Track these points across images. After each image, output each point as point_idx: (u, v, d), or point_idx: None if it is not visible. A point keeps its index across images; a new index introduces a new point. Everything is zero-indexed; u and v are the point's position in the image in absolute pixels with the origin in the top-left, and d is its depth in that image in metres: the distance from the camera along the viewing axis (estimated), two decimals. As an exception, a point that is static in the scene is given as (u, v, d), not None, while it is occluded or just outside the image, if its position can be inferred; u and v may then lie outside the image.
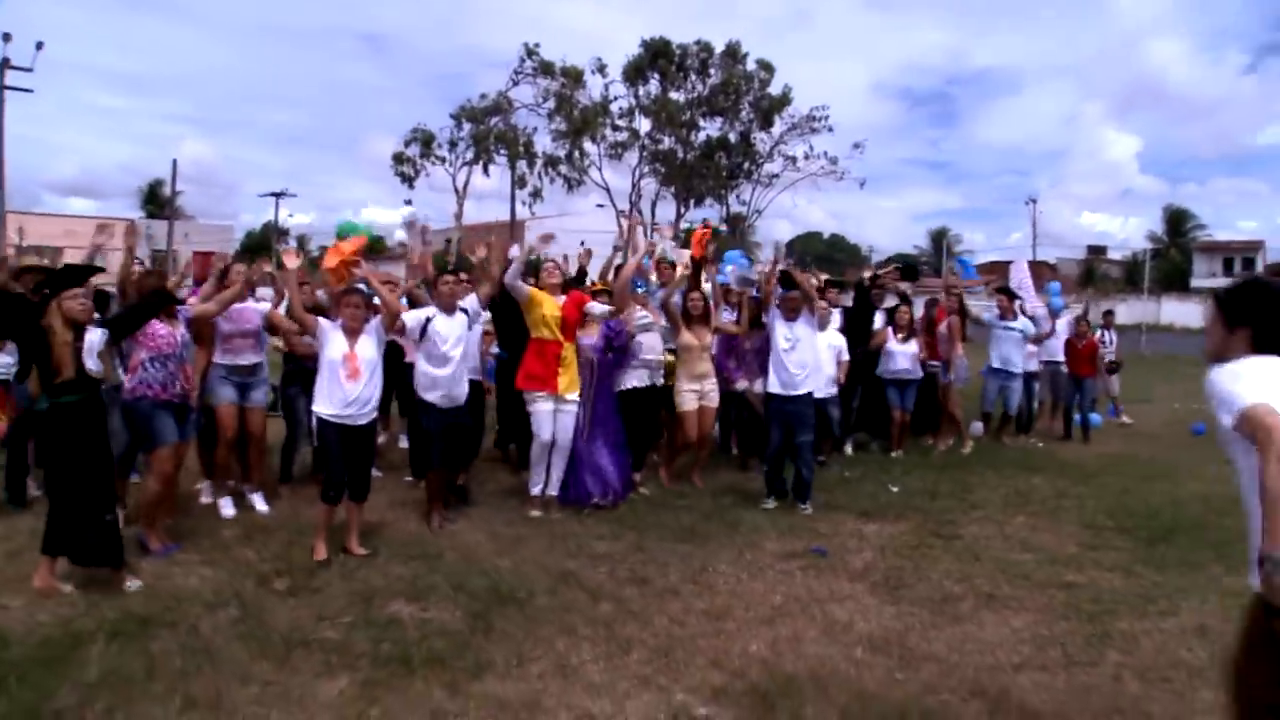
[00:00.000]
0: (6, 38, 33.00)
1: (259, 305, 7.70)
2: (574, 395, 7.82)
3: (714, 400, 9.03)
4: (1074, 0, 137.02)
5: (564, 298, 7.87)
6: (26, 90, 33.80)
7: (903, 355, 11.01)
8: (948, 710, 4.36)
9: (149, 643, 4.92)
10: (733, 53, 47.82)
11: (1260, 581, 2.59)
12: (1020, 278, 13.18)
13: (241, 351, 7.51)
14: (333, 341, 6.51)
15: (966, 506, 8.37)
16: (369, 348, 6.61)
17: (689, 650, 5.03)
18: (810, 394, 8.19)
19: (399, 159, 47.18)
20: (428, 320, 7.25)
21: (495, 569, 6.27)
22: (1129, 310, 14.36)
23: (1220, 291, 3.39)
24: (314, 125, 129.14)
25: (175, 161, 43.24)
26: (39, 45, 33.24)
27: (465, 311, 7.45)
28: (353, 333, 6.56)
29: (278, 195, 58.34)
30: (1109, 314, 15.79)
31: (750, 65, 47.88)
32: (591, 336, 8.08)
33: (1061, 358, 12.98)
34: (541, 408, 7.72)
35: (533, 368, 7.73)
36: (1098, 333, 14.17)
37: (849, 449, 11.15)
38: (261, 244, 58.24)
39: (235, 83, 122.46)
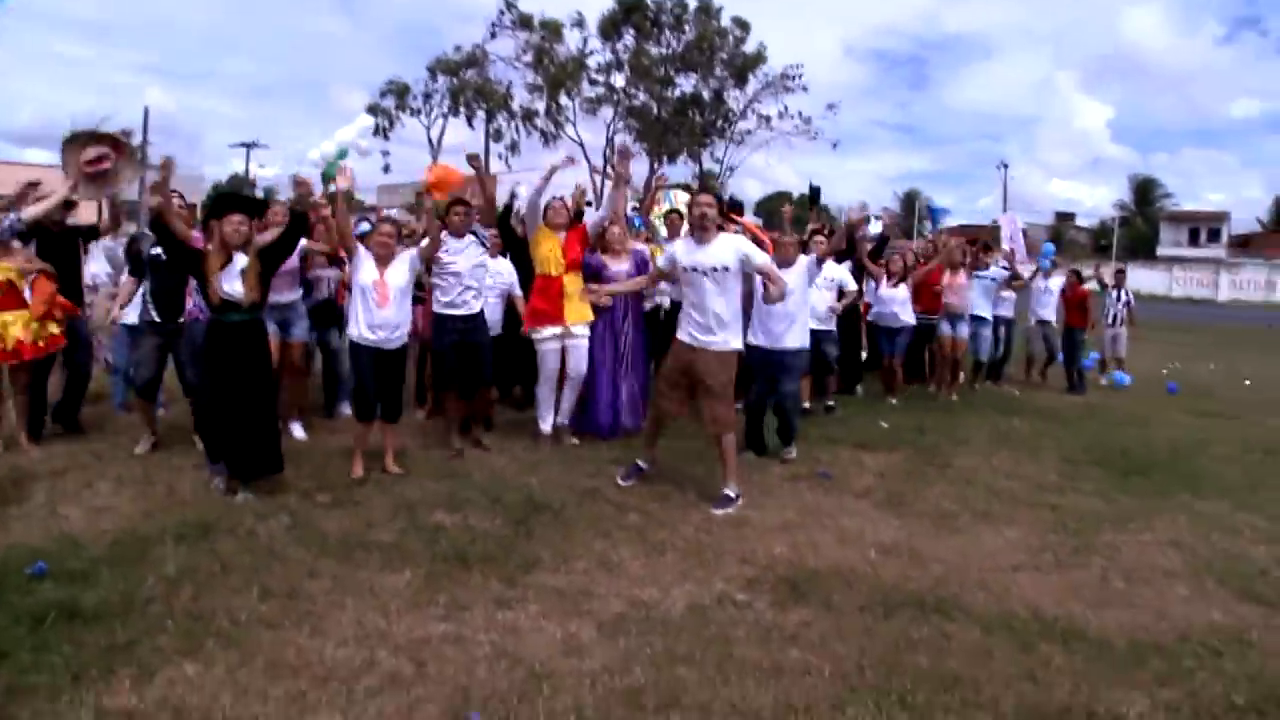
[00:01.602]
0: (-25, -19, 32.67)
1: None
2: (582, 327, 8.08)
3: None
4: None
5: (564, 234, 8.11)
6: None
7: (893, 300, 10.99)
8: (959, 600, 4.87)
9: (215, 544, 5.31)
10: (706, 8, 47.82)
11: None
12: (1012, 231, 13.67)
13: (280, 290, 7.74)
14: (364, 268, 6.83)
15: (954, 442, 8.88)
16: (399, 275, 6.90)
17: (718, 552, 5.52)
18: (796, 347, 7.83)
19: (374, 110, 46.98)
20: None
21: (525, 485, 6.71)
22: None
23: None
24: (280, 77, 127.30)
25: (147, 110, 42.56)
26: (13, -12, 32.97)
27: (475, 234, 7.77)
28: (383, 260, 6.86)
29: (249, 146, 57.79)
30: (1120, 273, 15.18)
31: (725, 22, 47.95)
32: (623, 264, 8.40)
33: (1051, 315, 13.50)
34: (548, 345, 8.00)
35: (538, 304, 8.03)
36: (1113, 294, 14.53)
37: (859, 390, 11.44)
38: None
39: (199, 33, 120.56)
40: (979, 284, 11.95)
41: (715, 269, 6.44)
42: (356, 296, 6.88)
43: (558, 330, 7.99)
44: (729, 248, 6.50)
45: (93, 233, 8.12)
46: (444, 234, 7.55)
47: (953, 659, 4.16)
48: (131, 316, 8.44)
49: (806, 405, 9.61)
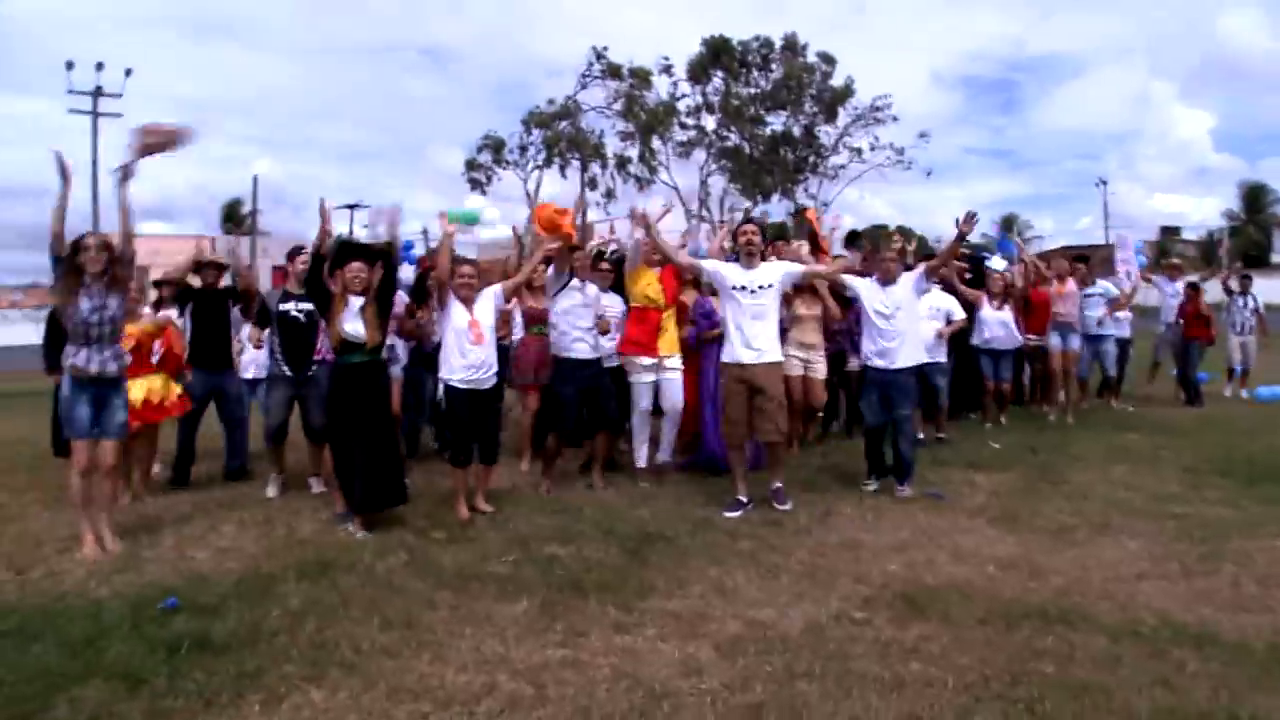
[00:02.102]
0: (99, 66, 34.28)
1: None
2: (676, 359, 8.11)
3: (820, 373, 9.12)
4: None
5: (659, 269, 8.16)
6: (117, 115, 34.96)
7: (997, 323, 10.56)
8: (1082, 610, 4.75)
9: (335, 580, 5.45)
10: (791, 46, 47.87)
11: None
12: (1125, 255, 13.35)
13: None
14: (455, 312, 7.00)
15: (1068, 459, 8.69)
16: (486, 314, 7.09)
17: (832, 573, 5.46)
18: (910, 366, 7.61)
19: (471, 165, 47.99)
20: (571, 277, 7.76)
21: (637, 517, 6.75)
22: (1209, 289, 13.66)
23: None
24: (378, 140, 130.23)
25: (256, 178, 44.26)
26: (128, 72, 34.35)
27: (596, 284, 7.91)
28: (469, 301, 7.05)
29: (352, 207, 59.47)
30: (1246, 279, 14.17)
31: (810, 58, 47.95)
32: None
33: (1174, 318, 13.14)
34: (642, 378, 8.03)
35: (633, 333, 8.06)
36: (1240, 300, 13.75)
37: (974, 416, 11.13)
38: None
39: (299, 103, 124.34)
40: (1090, 303, 11.62)
41: (762, 287, 7.04)
42: (450, 340, 7.04)
43: (651, 362, 8.02)
44: (774, 269, 7.22)
45: (245, 297, 8.32)
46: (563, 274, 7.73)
47: (1079, 667, 4.05)
48: (249, 371, 8.77)
49: (920, 436, 9.38)
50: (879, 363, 7.56)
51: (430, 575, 5.53)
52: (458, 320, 6.98)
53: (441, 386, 7.15)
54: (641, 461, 8.22)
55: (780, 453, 7.22)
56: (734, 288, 7.04)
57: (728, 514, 6.79)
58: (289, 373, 7.68)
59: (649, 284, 8.06)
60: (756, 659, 4.25)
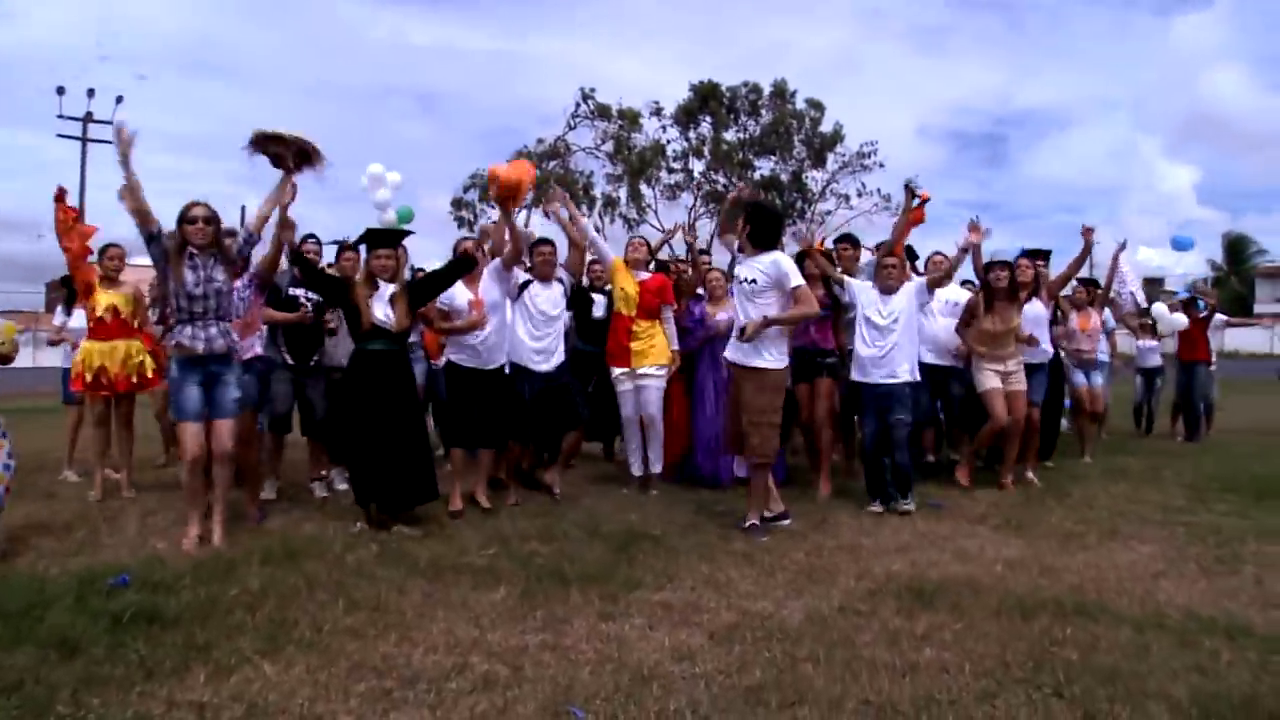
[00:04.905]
0: (91, 93, 34.09)
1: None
2: (651, 368, 7.57)
3: (1022, 384, 7.97)
4: (1125, 34, 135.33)
5: (647, 275, 7.78)
6: (108, 142, 34.56)
7: (1028, 319, 8.09)
8: (1101, 604, 4.45)
9: (302, 565, 5.11)
10: (780, 92, 47.87)
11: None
12: (1120, 270, 12.89)
13: None
14: (457, 290, 6.79)
15: (1067, 478, 8.39)
16: (491, 290, 6.87)
17: (832, 571, 5.16)
18: (906, 380, 7.00)
19: (457, 204, 47.55)
20: (526, 283, 7.30)
21: (624, 520, 6.41)
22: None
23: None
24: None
25: (244, 208, 43.61)
26: (119, 99, 33.87)
27: (561, 282, 7.50)
28: (474, 278, 6.86)
29: (339, 244, 59.38)
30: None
31: (799, 104, 48.02)
32: (727, 311, 7.69)
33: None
34: (622, 387, 7.65)
35: (610, 344, 7.72)
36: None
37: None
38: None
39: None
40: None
41: (744, 280, 6.23)
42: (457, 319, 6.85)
43: (621, 371, 7.62)
44: (765, 259, 6.18)
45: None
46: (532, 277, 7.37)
47: (1105, 655, 3.75)
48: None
49: (931, 458, 8.80)
50: (874, 375, 7.03)
51: (403, 565, 5.19)
52: (459, 299, 6.81)
53: (444, 365, 7.06)
54: (635, 470, 7.76)
55: (759, 485, 6.28)
56: (736, 279, 6.47)
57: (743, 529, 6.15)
58: (290, 361, 7.26)
59: (624, 285, 7.63)
60: (754, 646, 3.93)
